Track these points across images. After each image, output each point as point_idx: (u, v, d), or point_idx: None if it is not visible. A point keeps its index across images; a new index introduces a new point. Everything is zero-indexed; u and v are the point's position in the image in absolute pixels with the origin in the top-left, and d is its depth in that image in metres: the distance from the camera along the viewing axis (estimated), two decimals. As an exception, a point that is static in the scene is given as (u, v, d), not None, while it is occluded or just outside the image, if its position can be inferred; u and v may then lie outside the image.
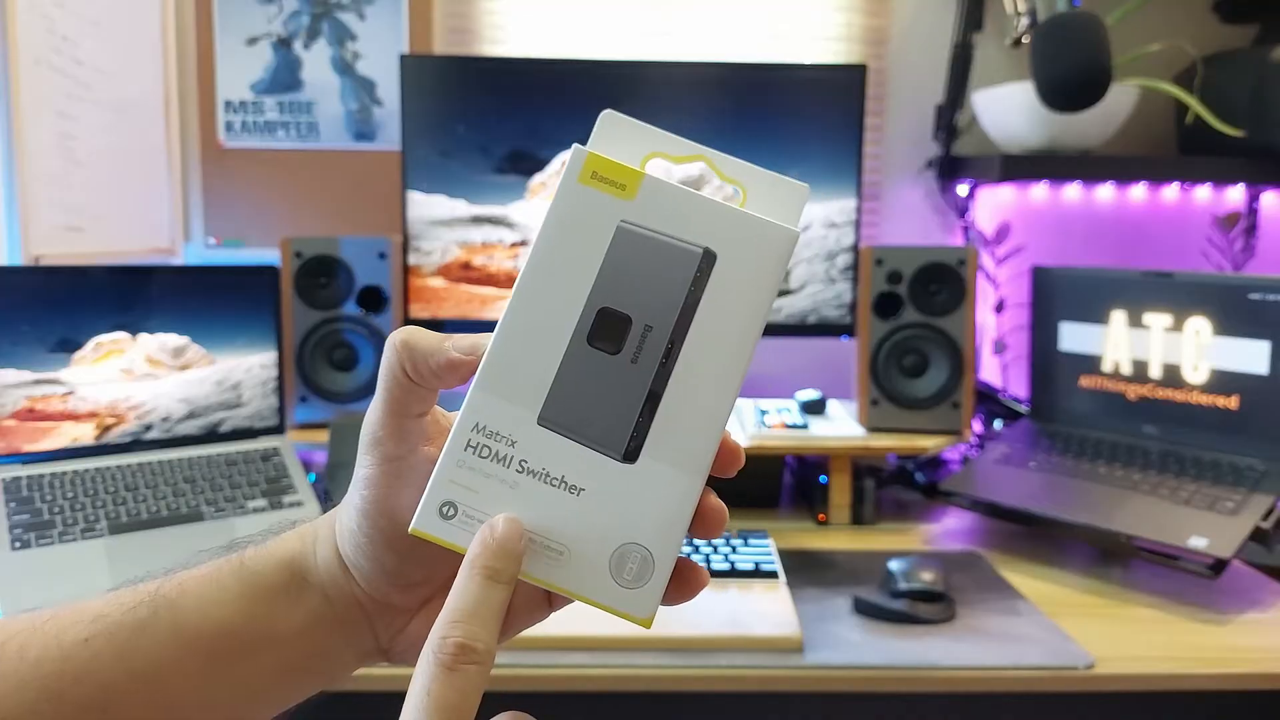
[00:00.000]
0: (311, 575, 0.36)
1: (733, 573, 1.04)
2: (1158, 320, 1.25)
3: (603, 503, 0.30)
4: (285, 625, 0.35)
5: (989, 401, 1.51)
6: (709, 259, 0.31)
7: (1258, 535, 1.04)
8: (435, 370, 0.32)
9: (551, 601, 0.36)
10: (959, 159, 1.56)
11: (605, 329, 0.31)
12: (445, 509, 0.30)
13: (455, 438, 0.31)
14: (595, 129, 0.32)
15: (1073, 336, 1.33)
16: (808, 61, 1.56)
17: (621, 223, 0.31)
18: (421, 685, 0.28)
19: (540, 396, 0.31)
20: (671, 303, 0.30)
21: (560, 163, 1.38)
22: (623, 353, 0.31)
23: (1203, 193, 1.62)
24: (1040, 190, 1.63)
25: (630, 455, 0.30)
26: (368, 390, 1.32)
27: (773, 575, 1.04)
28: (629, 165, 0.31)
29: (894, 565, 1.05)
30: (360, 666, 0.37)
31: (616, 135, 0.32)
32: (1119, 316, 1.28)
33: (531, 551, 0.30)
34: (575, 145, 0.31)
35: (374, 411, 0.34)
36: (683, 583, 0.32)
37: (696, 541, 1.10)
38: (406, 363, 0.33)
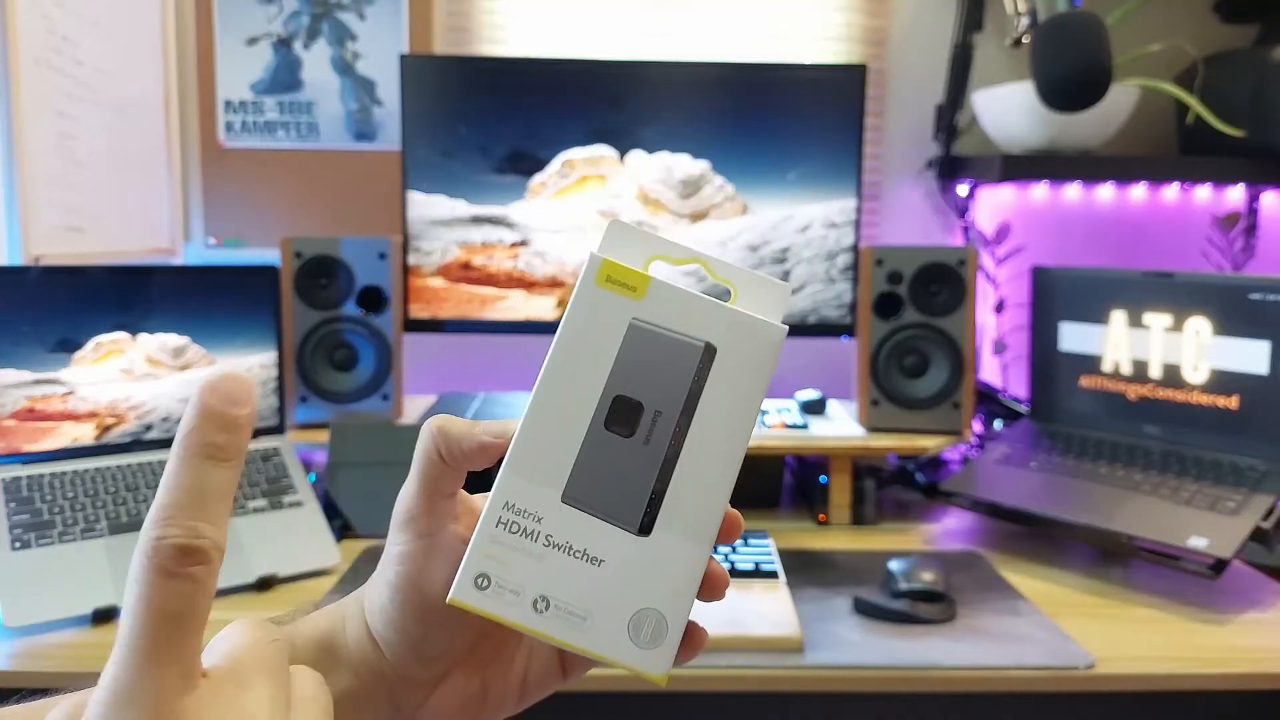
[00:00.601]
0: (342, 652, 0.37)
1: (733, 573, 1.04)
2: (1158, 320, 1.25)
3: (621, 572, 0.34)
4: None
5: (989, 401, 1.51)
6: (710, 352, 0.35)
7: (1258, 535, 1.04)
8: (467, 453, 0.35)
9: (566, 671, 0.39)
10: (959, 159, 1.56)
11: (620, 415, 0.34)
12: (480, 580, 0.33)
13: (488, 515, 0.34)
14: (604, 236, 0.36)
15: (1073, 336, 1.33)
16: (808, 61, 1.56)
17: (633, 320, 0.35)
18: (138, 596, 0.25)
19: (564, 477, 0.34)
20: (679, 391, 0.34)
21: (561, 163, 1.38)
22: (636, 436, 0.34)
23: (1203, 193, 1.62)
24: (1040, 190, 1.63)
25: (645, 529, 0.34)
26: (367, 390, 1.32)
27: (773, 575, 1.04)
28: (638, 269, 0.35)
29: (894, 565, 1.05)
30: None
31: (623, 240, 0.36)
32: (1119, 316, 1.28)
33: (557, 617, 0.33)
34: (590, 252, 0.35)
35: (408, 492, 0.36)
36: (690, 641, 0.34)
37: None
38: (441, 446, 0.35)
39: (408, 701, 0.38)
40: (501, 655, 0.39)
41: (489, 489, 0.35)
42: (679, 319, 0.35)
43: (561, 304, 1.41)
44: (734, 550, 1.09)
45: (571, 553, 0.33)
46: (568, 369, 0.34)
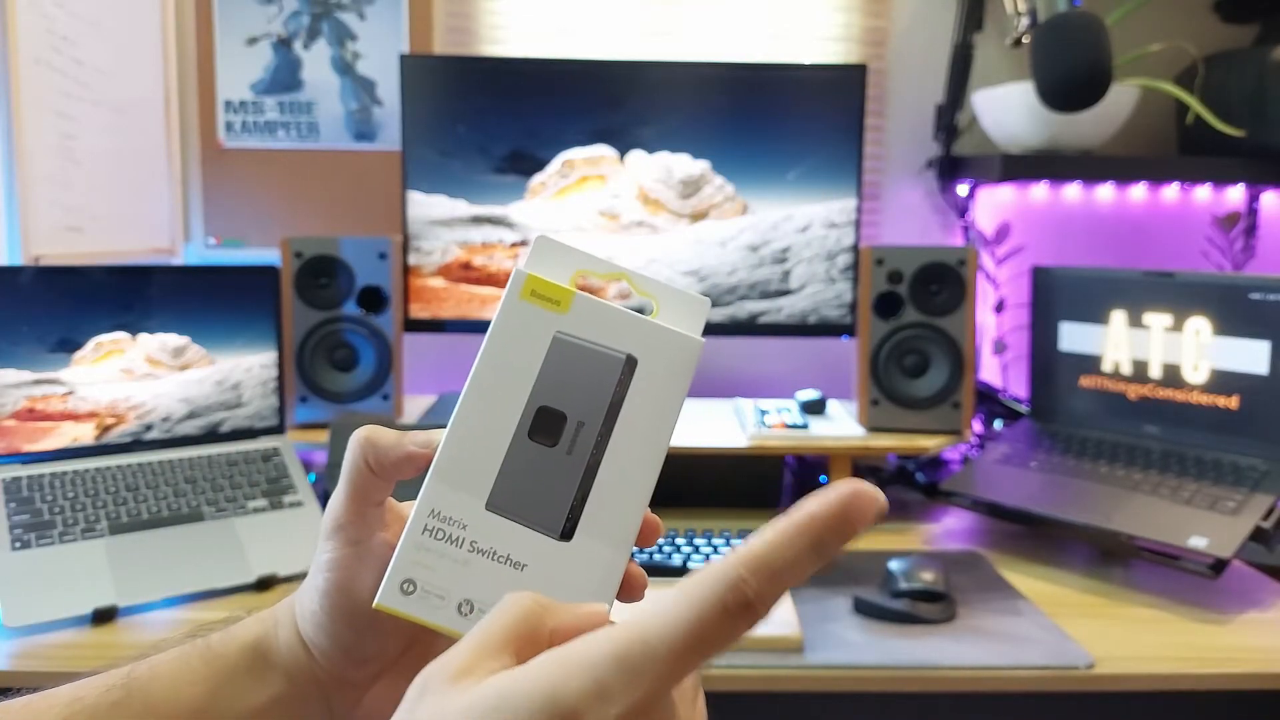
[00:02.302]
0: (274, 656, 0.38)
1: (733, 573, 1.04)
2: (1158, 320, 1.25)
3: (543, 576, 0.35)
4: (250, 704, 0.38)
5: (989, 401, 1.51)
6: (631, 364, 0.36)
7: (1258, 535, 1.04)
8: (395, 463, 0.36)
9: None
10: (959, 159, 1.56)
11: (544, 425, 0.36)
12: (406, 586, 0.34)
13: (414, 522, 0.35)
14: (530, 251, 0.37)
15: (1073, 336, 1.33)
16: (808, 61, 1.56)
17: (557, 333, 0.36)
18: (693, 616, 0.25)
19: (488, 485, 0.35)
20: (600, 402, 0.36)
21: (561, 163, 1.38)
22: (559, 445, 0.35)
23: (1203, 193, 1.62)
24: (1040, 190, 1.63)
25: (566, 534, 0.35)
26: (368, 390, 1.32)
27: (773, 575, 1.04)
28: (562, 284, 0.36)
29: (894, 565, 1.05)
30: None
31: (549, 256, 0.37)
32: (1119, 316, 1.28)
33: (479, 619, 0.34)
34: (516, 268, 0.36)
35: (337, 500, 0.37)
36: None
37: (697, 542, 1.10)
38: (370, 456, 0.36)
39: (341, 704, 0.39)
40: (431, 658, 0.40)
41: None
42: (601, 332, 0.36)
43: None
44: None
45: (495, 558, 0.34)
46: (493, 380, 0.36)
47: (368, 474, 0.37)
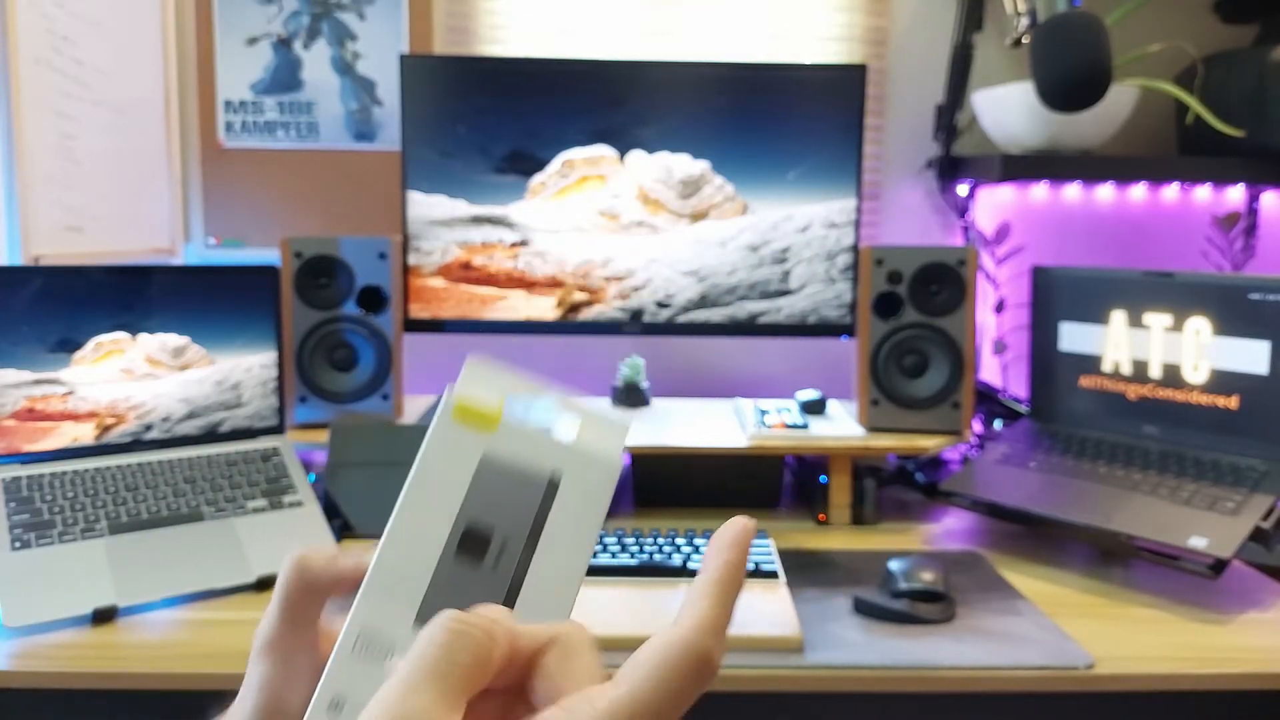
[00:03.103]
0: None
1: (733, 573, 1.04)
2: (1158, 320, 1.25)
3: None
4: None
5: (989, 401, 1.51)
6: (553, 485, 0.38)
7: (1258, 535, 1.04)
8: (327, 583, 0.38)
9: None
10: (959, 159, 1.56)
11: (470, 544, 0.37)
12: (334, 703, 0.35)
13: (343, 641, 0.35)
14: (461, 373, 0.38)
15: (1073, 336, 1.33)
16: (808, 61, 1.56)
17: (484, 454, 0.37)
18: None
19: (416, 602, 0.36)
20: (524, 521, 0.37)
21: (561, 163, 1.38)
22: (485, 562, 0.37)
23: (1203, 193, 1.62)
24: (1040, 190, 1.63)
25: None
26: (367, 390, 1.32)
27: (773, 575, 1.04)
28: (491, 406, 0.38)
29: (894, 565, 1.05)
30: None
31: (479, 378, 0.39)
32: (1119, 316, 1.28)
33: None
34: (447, 389, 0.37)
35: (267, 620, 0.38)
36: None
37: (697, 542, 1.10)
38: (303, 577, 0.37)
39: None
40: None
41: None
42: (526, 453, 0.38)
43: (561, 304, 1.41)
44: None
45: None
46: (422, 500, 0.37)
47: (300, 594, 0.38)
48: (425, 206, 1.38)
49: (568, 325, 1.41)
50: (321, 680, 0.35)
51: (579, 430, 0.39)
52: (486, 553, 0.37)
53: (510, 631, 0.29)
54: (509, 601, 0.36)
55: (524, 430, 0.38)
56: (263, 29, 1.56)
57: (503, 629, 0.29)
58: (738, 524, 0.33)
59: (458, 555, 0.37)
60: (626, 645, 0.98)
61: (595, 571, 1.04)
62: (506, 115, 1.37)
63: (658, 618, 0.95)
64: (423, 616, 0.36)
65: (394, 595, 0.36)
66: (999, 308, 1.61)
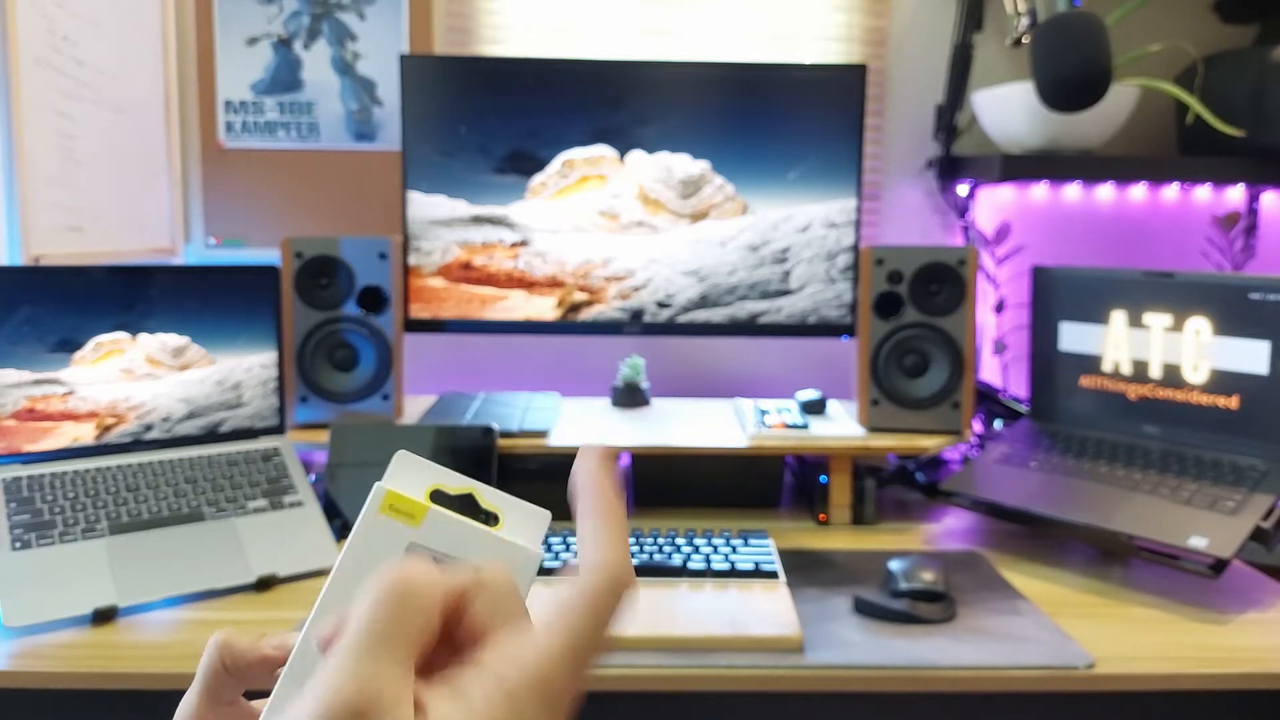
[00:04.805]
0: None
1: (733, 573, 1.04)
2: (1158, 320, 1.25)
3: None
4: None
5: (989, 401, 1.51)
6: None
7: (1258, 535, 1.04)
8: (250, 664, 0.38)
9: None
10: (959, 159, 1.56)
11: None
12: None
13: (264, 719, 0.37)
14: (390, 467, 0.40)
15: (1073, 336, 1.33)
16: (808, 61, 1.56)
17: (410, 543, 0.39)
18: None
19: None
20: None
21: (561, 163, 1.38)
22: None
23: (1203, 193, 1.62)
24: (1040, 190, 1.63)
25: None
26: (368, 390, 1.32)
27: (773, 575, 1.04)
28: (416, 499, 0.40)
29: (894, 565, 1.05)
30: None
31: (406, 471, 0.41)
32: (1119, 316, 1.28)
33: None
34: (376, 484, 0.39)
35: (189, 700, 0.39)
36: None
37: (697, 542, 1.10)
38: (226, 658, 0.38)
39: None
40: None
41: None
42: (451, 544, 0.39)
43: (561, 304, 1.41)
44: (734, 550, 1.09)
45: None
46: (350, 587, 0.38)
47: (222, 674, 0.38)
48: (425, 206, 1.38)
49: (568, 325, 1.41)
50: None
51: (502, 519, 0.41)
52: None
53: (443, 582, 0.31)
54: None
55: (448, 522, 0.40)
56: (263, 29, 1.56)
57: (439, 580, 0.30)
58: (593, 454, 0.34)
59: None
60: (627, 645, 0.99)
61: (595, 571, 1.04)
62: (506, 115, 1.37)
63: (658, 618, 0.95)
64: None
65: None
66: (999, 308, 1.61)
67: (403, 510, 0.39)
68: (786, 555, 1.14)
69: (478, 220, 1.39)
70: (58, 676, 0.89)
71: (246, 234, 1.60)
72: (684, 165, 1.39)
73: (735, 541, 1.11)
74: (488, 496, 0.42)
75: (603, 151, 1.38)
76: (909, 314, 1.30)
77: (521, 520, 0.41)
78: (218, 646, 0.38)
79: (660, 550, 1.08)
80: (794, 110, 1.38)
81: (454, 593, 0.31)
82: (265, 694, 0.38)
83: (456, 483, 0.42)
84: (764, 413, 1.36)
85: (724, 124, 1.38)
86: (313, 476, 1.25)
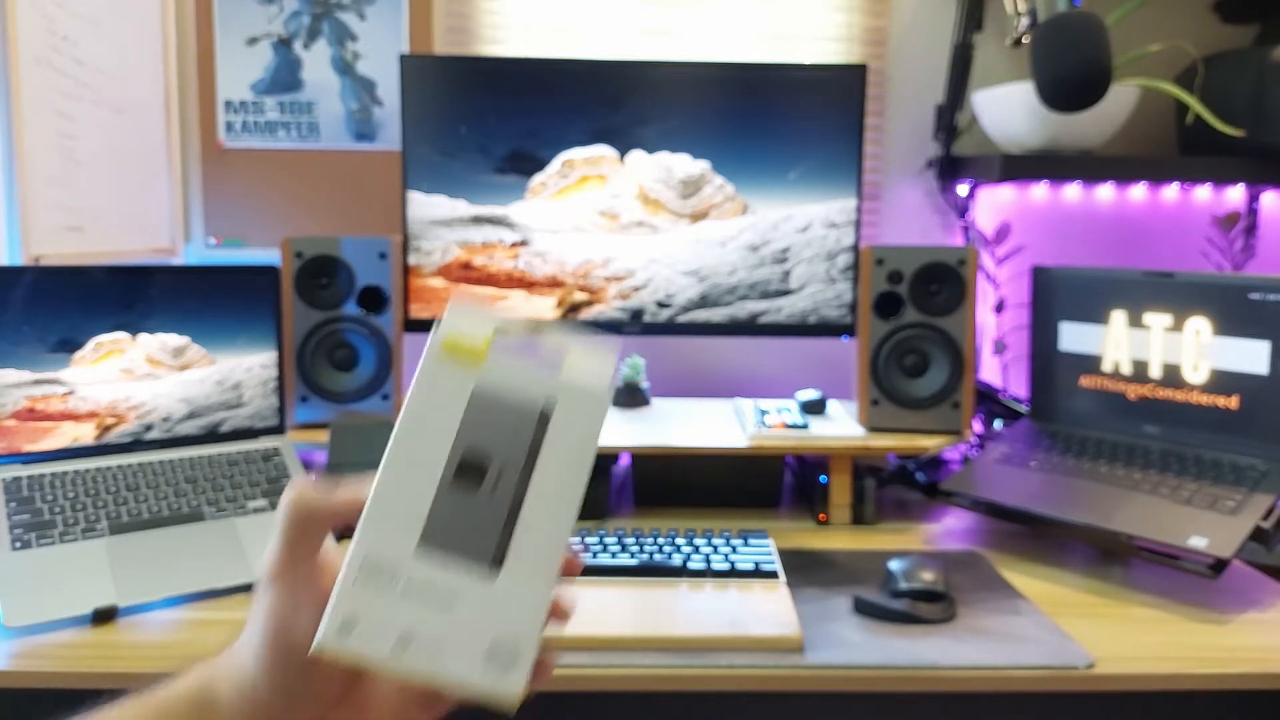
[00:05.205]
0: (218, 705, 0.40)
1: (733, 573, 1.04)
2: (1158, 320, 1.25)
3: (474, 610, 0.37)
4: None
5: (989, 401, 1.51)
6: (545, 416, 0.39)
7: (1258, 535, 1.04)
8: (326, 514, 0.39)
9: (433, 707, 0.41)
10: (959, 159, 1.56)
11: (467, 471, 0.38)
12: (343, 628, 0.36)
13: (348, 567, 0.37)
14: (446, 311, 0.40)
15: (1073, 336, 1.33)
16: (808, 61, 1.56)
17: (475, 388, 0.39)
18: None
19: (418, 529, 0.38)
20: (518, 451, 0.39)
21: (561, 163, 1.38)
22: (483, 488, 0.38)
23: (1203, 193, 1.62)
24: (1040, 190, 1.63)
25: (494, 569, 0.38)
26: (368, 390, 1.32)
27: (773, 575, 1.04)
28: (477, 342, 0.39)
29: (894, 565, 1.05)
30: None
31: (465, 317, 0.40)
32: (1119, 316, 1.28)
33: (418, 656, 0.36)
34: (434, 328, 0.39)
35: (272, 552, 0.39)
36: (540, 668, 0.38)
37: (697, 542, 1.10)
38: (302, 510, 0.39)
39: None
40: (374, 694, 0.41)
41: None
42: (515, 387, 0.39)
43: (561, 304, 1.41)
44: (734, 550, 1.09)
45: (428, 595, 0.37)
46: (417, 432, 0.38)
47: (299, 527, 0.39)
48: (425, 206, 1.38)
49: (568, 325, 1.41)
50: (329, 607, 0.36)
51: (567, 361, 0.40)
52: (484, 480, 0.38)
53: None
54: (509, 523, 0.38)
55: (512, 364, 0.39)
56: (263, 29, 1.56)
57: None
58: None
59: (455, 482, 0.38)
60: (626, 645, 0.99)
61: (595, 571, 1.04)
62: (506, 115, 1.37)
63: (658, 618, 0.95)
64: (426, 541, 0.37)
65: (395, 523, 0.37)
66: (999, 308, 1.61)
67: (463, 355, 0.39)
68: (786, 555, 1.14)
69: (478, 220, 1.39)
70: (58, 676, 0.89)
71: (246, 234, 1.60)
72: (684, 165, 1.39)
73: (735, 541, 1.11)
74: (551, 335, 0.41)
75: (603, 151, 1.38)
76: (909, 314, 1.30)
77: (587, 357, 0.40)
78: (292, 499, 0.39)
79: (660, 550, 1.08)
80: (794, 110, 1.38)
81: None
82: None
83: (518, 325, 0.41)
84: (764, 413, 1.36)
85: (724, 124, 1.38)
86: (313, 477, 1.25)
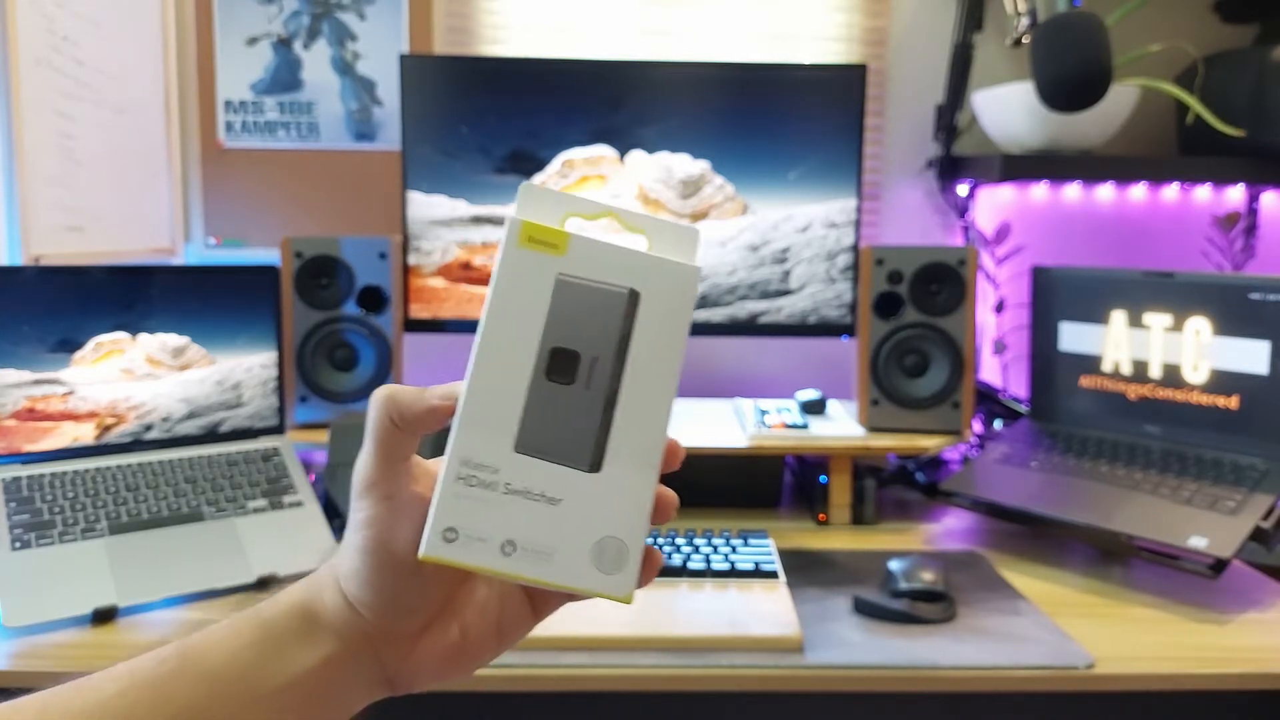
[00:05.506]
0: (323, 618, 0.39)
1: (733, 573, 1.04)
2: (1158, 320, 1.25)
3: (578, 507, 0.36)
4: (304, 665, 0.39)
5: (989, 401, 1.51)
6: (634, 297, 0.37)
7: (1258, 535, 1.04)
8: (419, 416, 0.38)
9: (538, 609, 0.41)
10: (959, 159, 1.56)
11: (559, 365, 0.37)
12: (448, 534, 0.35)
13: (447, 472, 0.36)
14: (518, 199, 0.38)
15: (1073, 336, 1.33)
16: (808, 61, 1.56)
17: (559, 275, 0.37)
18: None
19: (514, 428, 0.36)
20: (610, 337, 0.37)
21: (561, 163, 1.38)
22: (576, 382, 0.37)
23: (1203, 193, 1.62)
24: (1040, 190, 1.63)
25: (595, 465, 0.36)
26: (368, 390, 1.32)
27: (773, 575, 1.04)
28: (557, 227, 0.37)
29: (894, 565, 1.05)
30: (369, 700, 0.41)
31: (538, 202, 0.38)
32: (1119, 316, 1.28)
33: (524, 558, 0.35)
34: (509, 216, 0.37)
35: (366, 459, 0.38)
36: (649, 562, 0.37)
37: (697, 542, 1.10)
38: (394, 413, 0.38)
39: (392, 657, 0.40)
40: (475, 601, 0.41)
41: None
42: (601, 270, 0.37)
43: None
44: (734, 550, 1.09)
45: (530, 496, 0.36)
46: (503, 328, 0.37)
47: (393, 431, 0.38)
48: (425, 206, 1.38)
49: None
50: (430, 513, 0.35)
51: (649, 241, 0.39)
52: (576, 373, 0.37)
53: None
54: (606, 416, 0.36)
55: (595, 247, 0.37)
56: (263, 29, 1.56)
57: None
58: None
59: (548, 378, 0.37)
60: (627, 645, 0.99)
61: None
62: (506, 115, 1.37)
63: (658, 617, 0.95)
64: (522, 440, 0.36)
65: (490, 423, 0.36)
66: (999, 308, 1.61)
67: (544, 240, 0.37)
68: (786, 555, 1.14)
69: (478, 220, 1.39)
70: (58, 676, 0.88)
71: (246, 234, 1.60)
72: (684, 165, 1.39)
73: (735, 541, 1.11)
74: (630, 218, 0.39)
75: (603, 151, 1.38)
76: (909, 314, 1.30)
77: (670, 237, 0.39)
78: (384, 401, 0.38)
79: (660, 550, 1.08)
80: (794, 110, 1.38)
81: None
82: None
83: (592, 208, 0.39)
84: (764, 413, 1.36)
85: (724, 124, 1.38)
86: (312, 476, 1.25)
